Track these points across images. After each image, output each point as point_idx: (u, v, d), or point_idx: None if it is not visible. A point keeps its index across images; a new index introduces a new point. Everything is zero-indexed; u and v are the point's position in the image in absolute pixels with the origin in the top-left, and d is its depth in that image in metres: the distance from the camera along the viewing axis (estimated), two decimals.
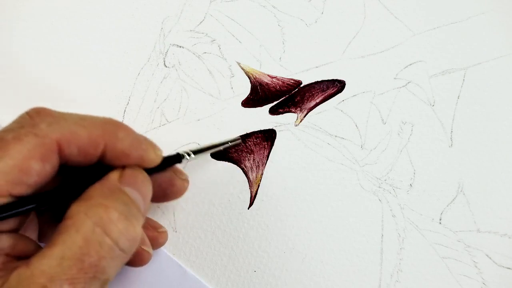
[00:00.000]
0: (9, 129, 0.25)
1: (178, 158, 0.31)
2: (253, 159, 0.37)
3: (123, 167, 0.27)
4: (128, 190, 0.26)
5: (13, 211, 0.24)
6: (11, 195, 0.24)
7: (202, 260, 0.36)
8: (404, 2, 0.40)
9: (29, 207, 0.25)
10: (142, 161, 0.28)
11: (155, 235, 0.34)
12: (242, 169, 0.37)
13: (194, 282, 0.35)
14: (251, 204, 0.37)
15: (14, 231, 0.26)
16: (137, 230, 0.26)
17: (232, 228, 0.36)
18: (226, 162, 0.37)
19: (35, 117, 0.26)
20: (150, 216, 0.37)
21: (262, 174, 0.37)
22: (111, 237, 0.24)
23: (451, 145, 0.37)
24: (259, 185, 0.37)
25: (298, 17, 0.40)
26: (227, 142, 0.36)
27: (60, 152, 0.26)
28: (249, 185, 0.37)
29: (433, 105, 0.38)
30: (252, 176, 0.37)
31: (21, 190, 0.24)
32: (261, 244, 0.36)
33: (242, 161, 0.37)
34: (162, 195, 0.32)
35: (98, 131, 0.26)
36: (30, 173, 0.24)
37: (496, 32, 0.39)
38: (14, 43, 0.41)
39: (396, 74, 0.39)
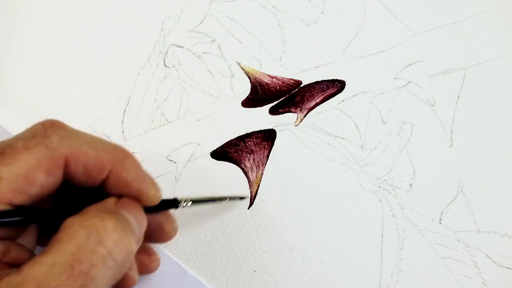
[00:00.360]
0: (20, 137, 0.25)
1: (175, 203, 0.31)
2: (253, 159, 0.37)
3: (120, 196, 0.27)
4: (124, 212, 0.26)
5: (4, 220, 0.24)
6: (10, 203, 0.24)
7: (202, 260, 0.36)
8: (404, 2, 0.40)
9: (16, 219, 0.25)
10: (141, 196, 0.28)
11: (146, 261, 0.33)
12: (242, 169, 0.37)
13: (194, 282, 0.35)
14: (251, 204, 0.37)
15: (9, 238, 0.26)
16: (132, 244, 0.25)
17: (232, 228, 0.36)
18: (226, 162, 0.37)
19: (48, 129, 0.26)
20: None
21: (262, 174, 0.37)
22: (105, 246, 0.24)
23: (451, 145, 0.37)
24: (259, 185, 0.37)
25: (298, 17, 0.40)
26: (226, 198, 0.35)
27: (67, 168, 0.26)
28: (249, 185, 0.37)
29: (433, 105, 0.38)
30: (252, 176, 0.37)
31: (21, 199, 0.24)
32: (261, 244, 0.36)
33: (242, 161, 0.37)
34: (148, 236, 0.31)
35: (107, 156, 0.27)
36: (34, 183, 0.24)
37: (496, 32, 0.39)
38: (14, 43, 0.41)
39: (396, 74, 0.39)
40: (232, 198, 0.36)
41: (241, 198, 0.36)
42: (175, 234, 0.32)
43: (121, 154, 0.27)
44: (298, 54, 0.40)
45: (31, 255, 0.27)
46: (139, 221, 0.27)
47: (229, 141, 0.38)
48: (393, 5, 0.40)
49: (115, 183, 0.27)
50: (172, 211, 0.31)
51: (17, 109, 0.39)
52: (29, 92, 0.40)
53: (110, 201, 0.27)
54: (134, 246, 0.26)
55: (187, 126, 0.39)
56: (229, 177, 0.37)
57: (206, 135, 0.38)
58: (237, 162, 0.37)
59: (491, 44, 0.39)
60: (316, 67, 0.39)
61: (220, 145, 0.38)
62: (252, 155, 0.37)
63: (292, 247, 0.36)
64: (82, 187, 0.27)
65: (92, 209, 0.26)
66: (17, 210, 0.24)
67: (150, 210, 0.29)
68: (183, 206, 0.31)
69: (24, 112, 0.39)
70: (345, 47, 0.40)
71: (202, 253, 0.36)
